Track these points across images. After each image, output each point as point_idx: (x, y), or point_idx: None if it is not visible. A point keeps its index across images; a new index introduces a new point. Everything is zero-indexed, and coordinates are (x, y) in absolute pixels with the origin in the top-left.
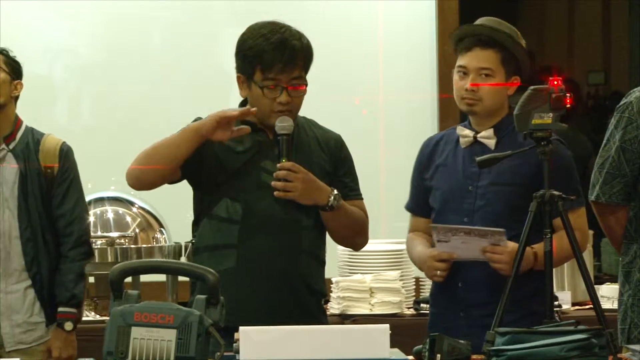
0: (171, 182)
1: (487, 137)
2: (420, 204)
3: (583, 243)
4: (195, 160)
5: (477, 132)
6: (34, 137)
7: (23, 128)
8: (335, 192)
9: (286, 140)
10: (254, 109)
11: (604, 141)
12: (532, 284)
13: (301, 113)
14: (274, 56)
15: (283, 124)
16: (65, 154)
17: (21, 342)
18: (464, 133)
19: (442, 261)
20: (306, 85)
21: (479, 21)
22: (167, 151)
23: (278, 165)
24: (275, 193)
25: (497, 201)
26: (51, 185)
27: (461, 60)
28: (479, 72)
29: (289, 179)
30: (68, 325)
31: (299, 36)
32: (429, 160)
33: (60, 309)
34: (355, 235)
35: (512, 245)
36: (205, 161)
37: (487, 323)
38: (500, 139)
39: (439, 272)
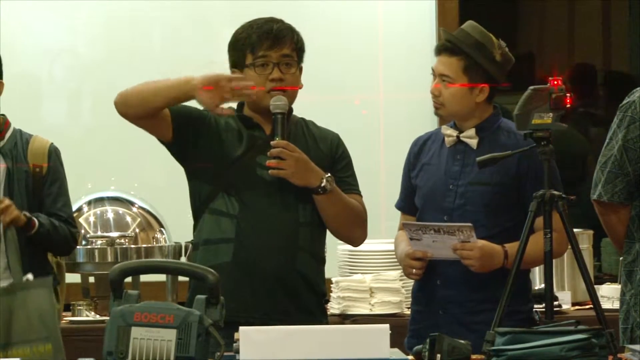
0: (160, 138)
1: (469, 136)
2: (409, 202)
3: (563, 244)
4: (189, 125)
5: (460, 132)
6: (22, 137)
7: (11, 129)
8: (329, 175)
9: (281, 119)
10: (252, 87)
11: (607, 140)
12: (513, 283)
13: (301, 113)
14: (260, 35)
15: (277, 103)
16: (55, 155)
17: None
18: (448, 132)
19: (417, 259)
20: (299, 67)
21: (463, 26)
22: (155, 86)
23: (272, 143)
24: (270, 171)
25: (475, 200)
26: (39, 185)
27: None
28: (441, 78)
29: (283, 157)
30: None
31: (287, 23)
32: (416, 159)
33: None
34: (352, 227)
35: (482, 241)
36: (201, 147)
37: (466, 321)
38: (482, 139)
39: (414, 270)
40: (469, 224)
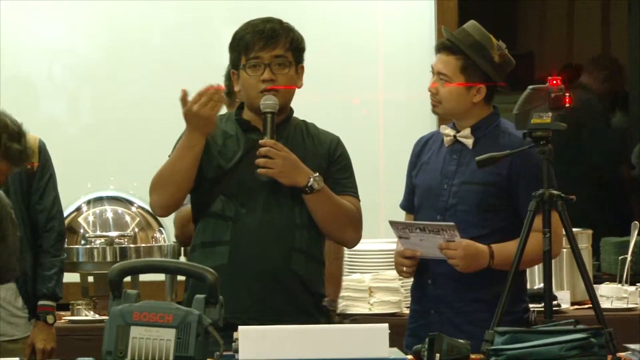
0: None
1: (465, 136)
2: (412, 202)
3: (558, 244)
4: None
5: (457, 132)
6: None
7: None
8: (317, 174)
9: (270, 118)
10: (207, 88)
11: None
12: (504, 284)
13: (301, 114)
14: (253, 36)
15: (267, 102)
16: (44, 150)
17: (3, 334)
18: (446, 132)
19: (407, 258)
20: (297, 67)
21: (465, 25)
22: (170, 167)
23: (260, 142)
24: (258, 170)
25: (468, 200)
26: (31, 181)
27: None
28: (439, 76)
29: (271, 156)
30: (50, 318)
31: (285, 22)
32: (417, 159)
33: (41, 302)
34: (343, 228)
35: (466, 241)
36: (202, 158)
37: (457, 321)
38: (478, 139)
39: (405, 268)
40: (452, 224)
